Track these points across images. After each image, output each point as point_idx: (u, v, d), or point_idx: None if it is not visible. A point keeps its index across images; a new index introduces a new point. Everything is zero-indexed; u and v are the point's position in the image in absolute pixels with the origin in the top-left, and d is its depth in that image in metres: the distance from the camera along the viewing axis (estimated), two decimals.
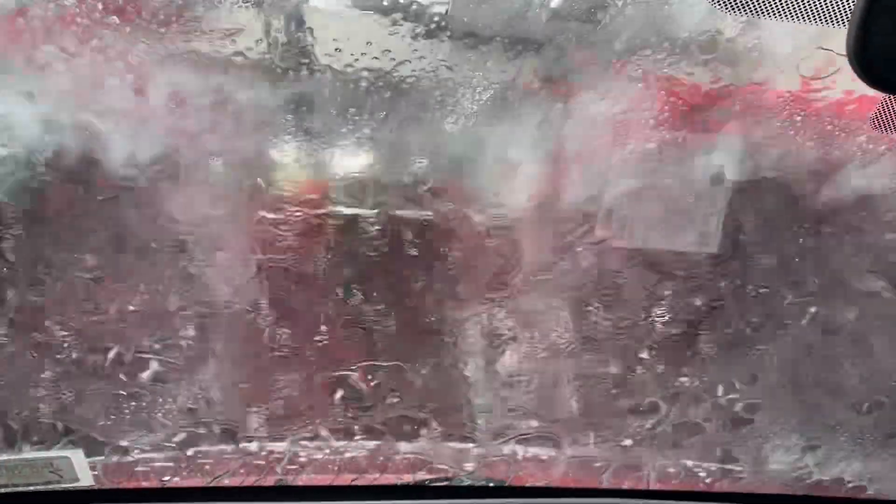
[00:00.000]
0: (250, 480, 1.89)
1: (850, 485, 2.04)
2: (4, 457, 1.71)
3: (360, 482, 1.97)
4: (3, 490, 1.71)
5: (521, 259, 1.74)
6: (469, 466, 1.99)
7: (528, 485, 2.03)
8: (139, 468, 1.85)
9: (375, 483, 1.98)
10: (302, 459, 1.88)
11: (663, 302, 1.79)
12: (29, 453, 1.75)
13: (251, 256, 1.65)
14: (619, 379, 1.89)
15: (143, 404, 1.77)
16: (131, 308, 1.64)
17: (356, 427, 1.87)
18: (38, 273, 1.63)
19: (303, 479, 1.96)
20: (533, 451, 1.98)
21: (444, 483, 1.98)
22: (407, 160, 1.61)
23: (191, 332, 1.71)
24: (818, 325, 1.86)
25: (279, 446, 1.88)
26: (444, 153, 1.62)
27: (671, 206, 1.69)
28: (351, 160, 1.61)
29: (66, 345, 1.68)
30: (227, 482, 1.93)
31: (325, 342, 1.77)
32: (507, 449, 1.97)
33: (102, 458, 1.82)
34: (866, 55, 0.86)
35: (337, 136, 1.57)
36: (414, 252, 1.69)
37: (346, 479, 1.96)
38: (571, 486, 2.03)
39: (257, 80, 1.49)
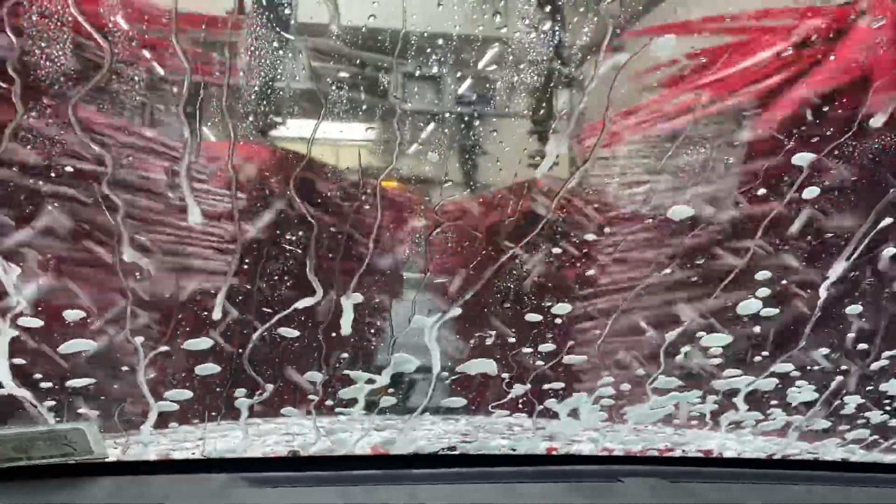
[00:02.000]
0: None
1: None
2: (20, 430, 1.69)
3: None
4: (19, 464, 1.68)
5: None
6: None
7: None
8: None
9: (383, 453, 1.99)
10: None
11: None
12: (43, 426, 1.73)
13: None
14: None
15: None
16: None
17: None
18: None
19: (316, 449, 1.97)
20: None
21: (451, 452, 2.01)
22: None
23: None
24: None
25: None
26: None
27: None
28: None
29: None
30: (244, 453, 1.92)
31: None
32: None
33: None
34: None
35: None
36: None
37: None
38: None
39: None
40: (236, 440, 1.95)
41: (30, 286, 1.62)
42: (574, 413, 2.00)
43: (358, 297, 1.75)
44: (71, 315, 1.68)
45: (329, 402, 1.89)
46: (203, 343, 1.76)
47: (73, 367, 1.70)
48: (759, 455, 2.18)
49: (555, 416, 2.03)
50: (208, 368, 1.79)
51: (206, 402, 1.85)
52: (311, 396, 1.86)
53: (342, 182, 1.67)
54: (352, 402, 1.88)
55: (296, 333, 1.79)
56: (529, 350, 1.90)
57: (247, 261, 1.70)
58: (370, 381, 1.85)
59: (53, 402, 1.76)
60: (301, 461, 1.95)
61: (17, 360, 1.67)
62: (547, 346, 1.93)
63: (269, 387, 1.85)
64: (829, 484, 2.00)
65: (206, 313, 1.71)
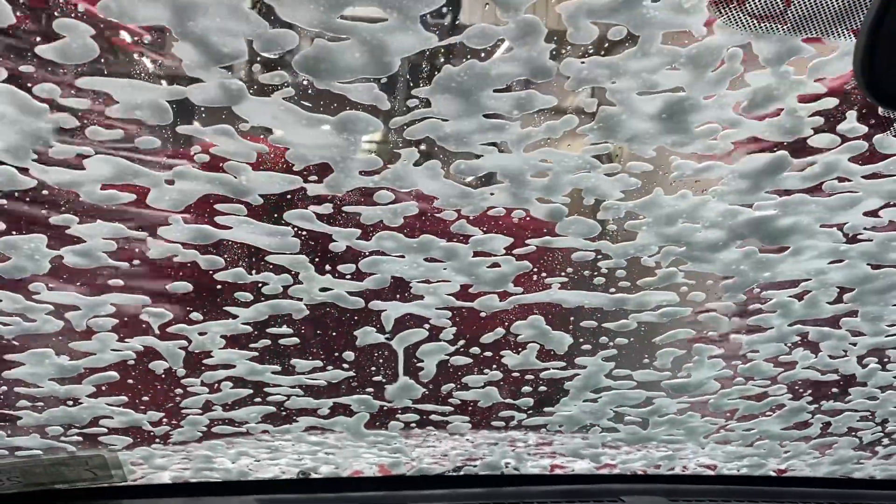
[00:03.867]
0: None
1: None
2: (45, 457, 1.78)
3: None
4: (44, 488, 1.77)
5: None
6: None
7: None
8: None
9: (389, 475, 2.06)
10: None
11: None
12: (66, 453, 1.82)
13: None
14: None
15: None
16: None
17: None
18: None
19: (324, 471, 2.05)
20: None
21: (456, 473, 2.07)
22: None
23: None
24: None
25: None
26: None
27: None
28: None
29: None
30: (256, 476, 2.00)
31: None
32: None
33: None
34: (873, 73, 0.91)
35: None
36: None
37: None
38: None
39: None
40: (251, 461, 2.03)
41: None
42: None
43: None
44: None
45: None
46: None
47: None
48: (757, 473, 2.23)
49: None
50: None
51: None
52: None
53: None
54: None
55: None
56: None
57: None
58: None
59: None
60: (310, 483, 2.02)
61: None
62: None
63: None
64: (827, 501, 2.04)
65: None
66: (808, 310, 1.80)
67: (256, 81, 1.21)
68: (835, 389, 2.07)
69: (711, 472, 2.24)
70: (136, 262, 1.50)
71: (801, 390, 2.06)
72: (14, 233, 1.42)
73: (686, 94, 1.31)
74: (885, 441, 2.22)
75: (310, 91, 1.22)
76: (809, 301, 1.78)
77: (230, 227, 1.46)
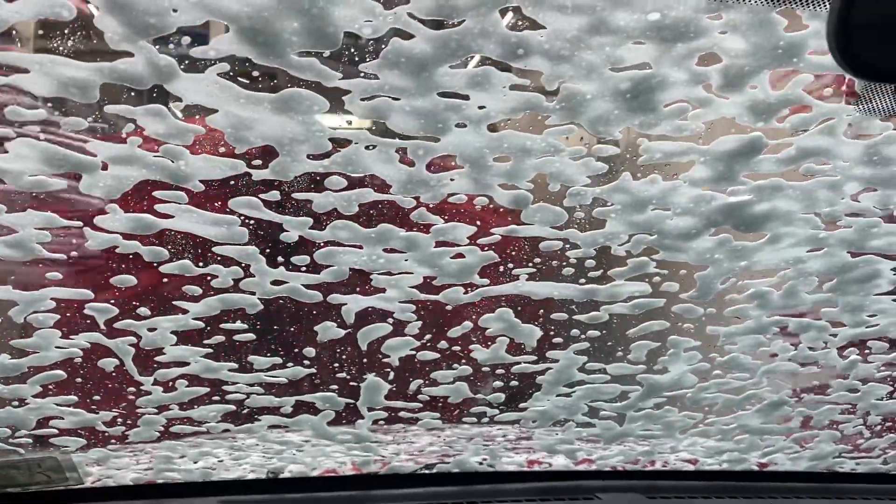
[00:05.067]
0: None
1: None
2: None
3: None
4: None
5: None
6: None
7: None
8: None
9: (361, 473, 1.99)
10: None
11: None
12: (15, 456, 1.74)
13: None
14: None
15: None
16: None
17: None
18: None
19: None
20: None
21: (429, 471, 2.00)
22: None
23: None
24: None
25: None
26: None
27: None
28: None
29: None
30: (220, 476, 1.93)
31: None
32: None
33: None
34: (846, 42, 0.84)
35: None
36: None
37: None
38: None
39: None
40: (214, 461, 1.96)
41: None
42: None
43: None
44: None
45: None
46: None
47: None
48: (737, 468, 2.18)
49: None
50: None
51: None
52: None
53: None
54: None
55: None
56: None
57: None
58: None
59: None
60: (277, 483, 1.95)
61: None
62: None
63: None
64: (808, 496, 1.99)
65: None
66: (786, 300, 1.74)
67: (188, 56, 1.12)
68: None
69: (691, 468, 2.19)
70: (73, 254, 1.41)
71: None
72: None
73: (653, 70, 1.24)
74: (867, 434, 2.18)
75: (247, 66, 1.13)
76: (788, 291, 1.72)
77: (172, 216, 1.38)
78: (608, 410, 1.99)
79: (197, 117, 1.22)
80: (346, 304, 1.64)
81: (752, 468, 2.19)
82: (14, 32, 1.05)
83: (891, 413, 2.10)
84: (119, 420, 1.80)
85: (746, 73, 1.24)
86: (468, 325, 1.76)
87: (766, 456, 2.19)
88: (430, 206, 1.45)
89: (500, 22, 1.13)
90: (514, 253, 1.61)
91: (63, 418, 1.74)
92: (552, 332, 1.81)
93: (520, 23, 1.15)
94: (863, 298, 1.73)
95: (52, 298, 1.51)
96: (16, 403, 1.69)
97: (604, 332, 1.81)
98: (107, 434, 1.81)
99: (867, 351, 1.92)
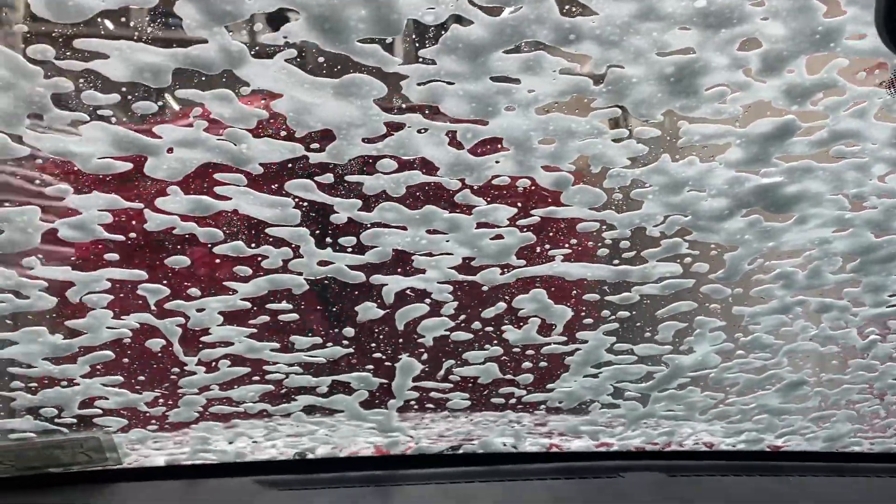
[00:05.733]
0: None
1: None
2: (38, 440, 1.75)
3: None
4: (39, 471, 1.74)
5: None
6: None
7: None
8: None
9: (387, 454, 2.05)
10: None
11: None
12: (60, 436, 1.78)
13: None
14: None
15: None
16: None
17: None
18: None
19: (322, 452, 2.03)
20: None
21: (455, 452, 2.06)
22: None
23: None
24: None
25: None
26: None
27: None
28: None
29: None
30: (252, 457, 1.98)
31: None
32: None
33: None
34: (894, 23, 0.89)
35: None
36: None
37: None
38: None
39: None
40: (249, 442, 2.01)
41: None
42: None
43: None
44: None
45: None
46: None
47: None
48: (755, 448, 2.23)
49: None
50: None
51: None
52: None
53: None
54: None
55: None
56: None
57: None
58: None
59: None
60: (308, 463, 2.00)
61: None
62: None
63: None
64: (824, 475, 2.04)
65: None
66: (811, 280, 1.79)
67: (258, 42, 1.17)
68: None
69: (710, 449, 2.24)
70: (132, 234, 1.46)
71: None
72: (6, 205, 1.38)
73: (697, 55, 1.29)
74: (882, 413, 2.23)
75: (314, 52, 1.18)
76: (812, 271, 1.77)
77: (230, 199, 1.43)
78: (633, 391, 2.04)
79: (261, 102, 1.27)
80: (386, 284, 1.69)
81: (768, 449, 2.25)
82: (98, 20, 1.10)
83: None
84: (160, 401, 1.85)
85: (785, 57, 1.30)
86: (502, 305, 1.81)
87: (783, 437, 2.25)
88: (475, 187, 1.50)
89: (555, 8, 1.18)
90: (552, 234, 1.66)
91: (108, 398, 1.79)
92: (583, 313, 1.87)
93: (573, 9, 1.20)
94: (885, 278, 1.79)
95: (107, 279, 1.56)
96: (64, 383, 1.74)
97: (633, 312, 1.86)
98: (147, 414, 1.86)
99: (887, 330, 1.98)
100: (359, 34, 1.17)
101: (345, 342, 1.82)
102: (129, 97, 1.22)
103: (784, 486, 1.96)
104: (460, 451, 2.07)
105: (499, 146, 1.43)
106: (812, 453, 2.26)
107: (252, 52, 1.17)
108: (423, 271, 1.68)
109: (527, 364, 1.96)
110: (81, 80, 1.19)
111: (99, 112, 1.23)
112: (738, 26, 1.24)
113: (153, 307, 1.63)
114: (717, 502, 1.85)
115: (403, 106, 1.31)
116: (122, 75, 1.17)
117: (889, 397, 2.17)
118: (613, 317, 1.86)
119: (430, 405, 2.02)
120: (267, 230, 1.51)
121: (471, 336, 1.87)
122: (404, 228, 1.55)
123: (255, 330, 1.73)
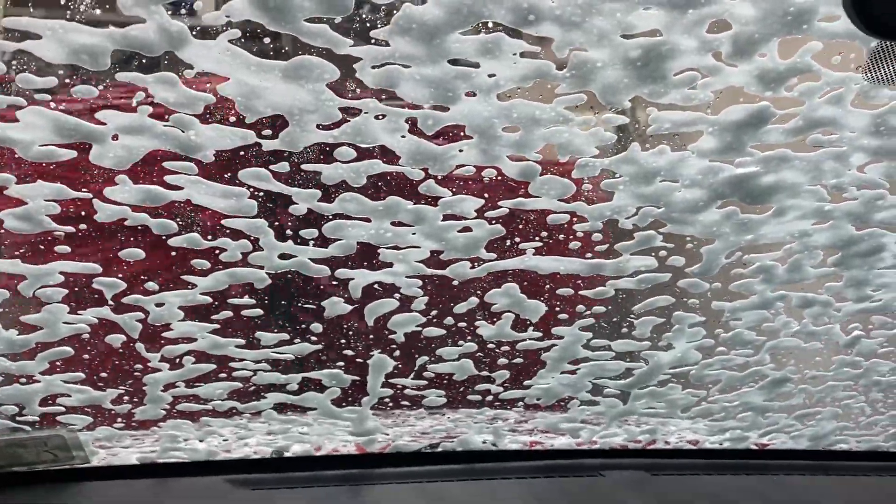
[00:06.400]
0: None
1: None
2: None
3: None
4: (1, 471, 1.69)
5: None
6: None
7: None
8: None
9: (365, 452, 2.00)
10: None
11: None
12: (23, 434, 1.74)
13: None
14: None
15: None
16: None
17: None
18: None
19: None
20: None
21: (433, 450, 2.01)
22: None
23: None
24: None
25: None
26: None
27: None
28: None
29: None
30: (225, 455, 1.94)
31: None
32: None
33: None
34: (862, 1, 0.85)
35: None
36: None
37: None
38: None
39: None
40: (220, 441, 1.96)
41: None
42: None
43: None
44: None
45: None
46: None
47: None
48: (739, 446, 2.19)
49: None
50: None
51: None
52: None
53: None
54: None
55: None
56: None
57: None
58: None
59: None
60: (282, 462, 1.96)
61: None
62: None
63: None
64: (809, 473, 2.00)
65: None
66: (791, 274, 1.74)
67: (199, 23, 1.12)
68: None
69: (694, 446, 2.20)
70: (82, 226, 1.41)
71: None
72: None
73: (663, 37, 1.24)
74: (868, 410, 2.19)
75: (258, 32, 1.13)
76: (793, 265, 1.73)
77: (181, 188, 1.38)
78: (612, 388, 2.00)
79: (207, 86, 1.22)
80: (353, 278, 1.65)
81: (753, 447, 2.21)
82: None
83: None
84: (126, 398, 1.81)
85: (756, 40, 1.24)
86: (474, 300, 1.77)
87: (768, 435, 2.21)
88: (439, 177, 1.45)
89: None
90: (520, 227, 1.62)
91: (70, 396, 1.75)
92: (557, 308, 1.82)
93: None
94: (866, 272, 1.74)
95: (60, 272, 1.51)
96: (23, 380, 1.69)
97: (609, 307, 1.81)
98: (113, 412, 1.82)
99: (870, 326, 1.94)
100: (305, 13, 1.11)
101: (313, 338, 1.78)
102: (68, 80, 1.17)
103: (769, 484, 1.92)
104: (438, 450, 2.03)
105: (462, 134, 1.38)
106: (797, 451, 2.22)
107: (193, 33, 1.12)
108: (391, 265, 1.63)
109: (502, 360, 1.92)
110: (14, 63, 1.14)
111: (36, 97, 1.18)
112: (706, 6, 1.19)
113: (110, 301, 1.59)
114: (701, 501, 1.80)
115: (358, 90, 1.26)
116: (57, 57, 1.11)
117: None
118: (589, 312, 1.81)
119: (406, 402, 1.98)
120: (223, 221, 1.46)
121: (443, 332, 1.83)
122: (368, 220, 1.51)
123: (217, 326, 1.69)
